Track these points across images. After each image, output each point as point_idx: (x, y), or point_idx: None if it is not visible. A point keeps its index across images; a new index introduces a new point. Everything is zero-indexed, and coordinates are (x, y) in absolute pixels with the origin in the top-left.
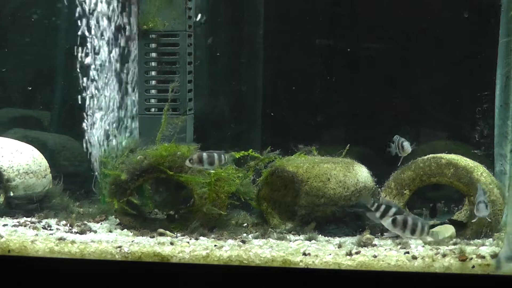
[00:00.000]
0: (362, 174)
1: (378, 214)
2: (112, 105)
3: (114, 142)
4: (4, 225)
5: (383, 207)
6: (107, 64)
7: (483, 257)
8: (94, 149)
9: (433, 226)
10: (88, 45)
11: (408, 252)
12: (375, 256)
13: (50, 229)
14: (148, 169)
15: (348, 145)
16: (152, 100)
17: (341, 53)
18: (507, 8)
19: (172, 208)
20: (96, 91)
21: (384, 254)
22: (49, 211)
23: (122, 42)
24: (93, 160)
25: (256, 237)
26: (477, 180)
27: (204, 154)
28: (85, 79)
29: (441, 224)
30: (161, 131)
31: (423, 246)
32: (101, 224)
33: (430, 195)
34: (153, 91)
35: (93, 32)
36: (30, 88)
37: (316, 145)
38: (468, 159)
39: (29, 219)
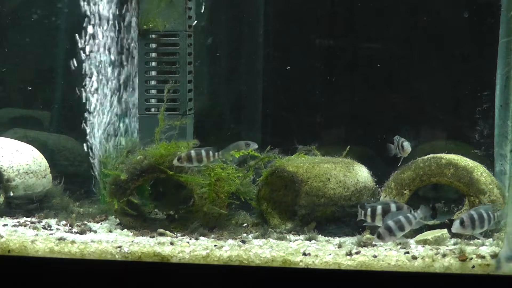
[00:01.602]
0: (362, 174)
1: (369, 219)
2: (112, 105)
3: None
4: (4, 225)
5: (369, 210)
6: (108, 63)
7: (483, 257)
8: (94, 150)
9: (432, 227)
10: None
11: (408, 252)
12: (375, 256)
13: (50, 229)
14: (148, 169)
15: (348, 145)
16: (152, 100)
17: (341, 52)
18: (507, 8)
19: (173, 208)
20: (97, 91)
21: (384, 254)
22: (49, 211)
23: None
24: (93, 161)
25: (256, 237)
26: (477, 180)
27: (192, 152)
28: (85, 78)
29: (441, 224)
30: (159, 130)
31: (423, 246)
32: (101, 224)
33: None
34: (153, 91)
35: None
36: (30, 88)
37: (316, 145)
38: (468, 159)
39: (29, 219)
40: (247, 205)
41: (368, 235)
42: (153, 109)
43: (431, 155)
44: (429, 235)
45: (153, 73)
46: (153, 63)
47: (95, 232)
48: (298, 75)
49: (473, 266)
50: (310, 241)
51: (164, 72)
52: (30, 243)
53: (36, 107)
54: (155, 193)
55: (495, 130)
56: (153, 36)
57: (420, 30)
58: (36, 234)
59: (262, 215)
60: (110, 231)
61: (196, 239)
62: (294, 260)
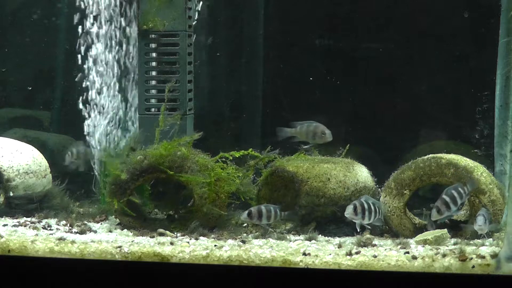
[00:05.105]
0: (362, 174)
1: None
2: (112, 104)
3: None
4: (4, 225)
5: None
6: (107, 63)
7: (483, 257)
8: (94, 149)
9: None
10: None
11: (408, 252)
12: (375, 256)
13: (50, 229)
14: (148, 169)
15: (348, 145)
16: (152, 100)
17: (341, 53)
18: (507, 8)
19: (173, 208)
20: (96, 91)
21: (384, 254)
22: (49, 211)
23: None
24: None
25: (256, 237)
26: (477, 180)
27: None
28: (85, 77)
29: (441, 224)
30: (159, 130)
31: (423, 246)
32: (101, 224)
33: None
34: (153, 91)
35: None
36: (30, 88)
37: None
38: (468, 159)
39: (29, 219)
40: (247, 205)
41: (368, 235)
42: (153, 109)
43: (431, 155)
44: (429, 235)
45: (153, 73)
46: (153, 63)
47: (95, 232)
48: (298, 75)
49: (473, 266)
50: (310, 241)
51: (164, 72)
52: (30, 243)
53: (36, 107)
54: (155, 193)
55: (495, 130)
56: (153, 36)
57: (419, 30)
58: (36, 234)
59: None
60: (110, 231)
61: (196, 239)
62: (294, 260)
